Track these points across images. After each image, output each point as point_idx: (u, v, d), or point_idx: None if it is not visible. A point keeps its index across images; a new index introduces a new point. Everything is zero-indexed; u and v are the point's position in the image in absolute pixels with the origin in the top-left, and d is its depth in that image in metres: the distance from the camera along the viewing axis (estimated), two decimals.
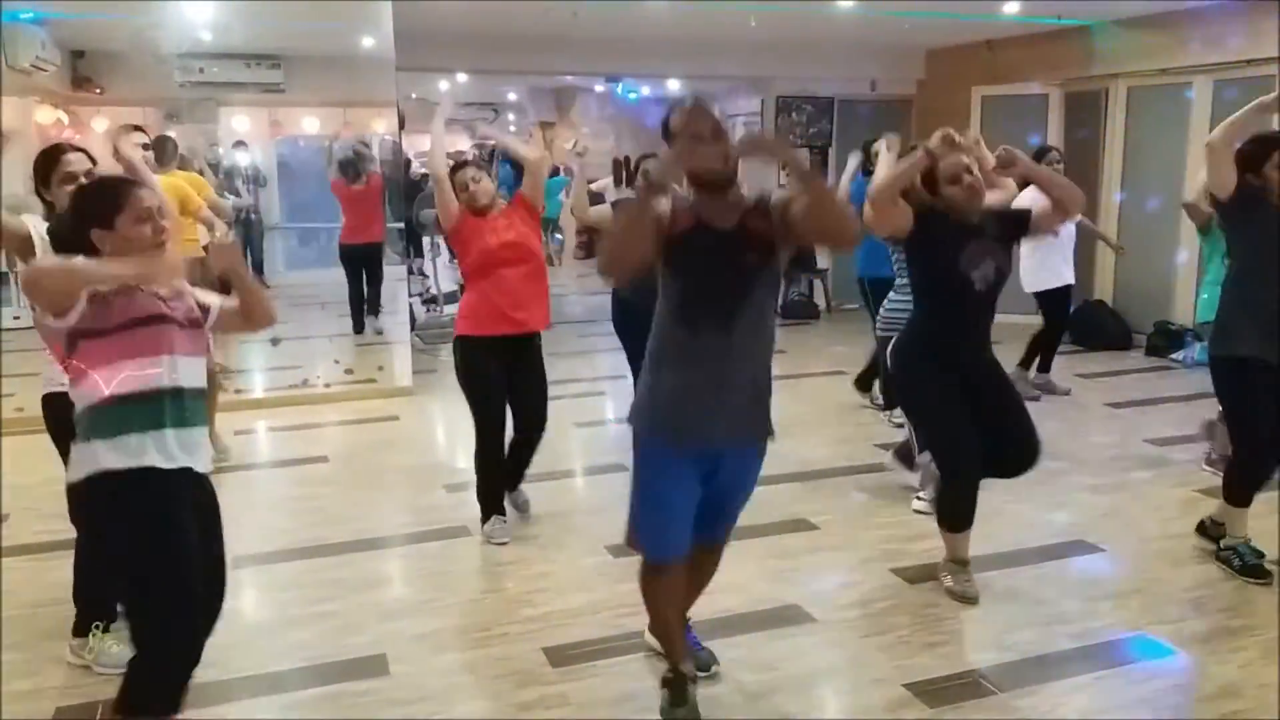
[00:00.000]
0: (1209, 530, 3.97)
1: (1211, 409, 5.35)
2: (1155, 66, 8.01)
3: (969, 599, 3.57)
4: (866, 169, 5.92)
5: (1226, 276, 3.77)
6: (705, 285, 2.61)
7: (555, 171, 14.86)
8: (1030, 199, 6.04)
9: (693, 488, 2.71)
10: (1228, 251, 3.83)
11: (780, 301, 9.99)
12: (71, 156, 3.07)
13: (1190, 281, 7.86)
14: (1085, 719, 2.92)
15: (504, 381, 4.14)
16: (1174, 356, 7.78)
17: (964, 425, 3.48)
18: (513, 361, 4.14)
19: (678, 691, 2.86)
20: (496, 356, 4.10)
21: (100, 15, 6.93)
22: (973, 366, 3.53)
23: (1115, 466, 5.19)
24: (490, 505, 4.24)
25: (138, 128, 4.46)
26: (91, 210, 2.37)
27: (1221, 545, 3.83)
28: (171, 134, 6.55)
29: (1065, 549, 4.08)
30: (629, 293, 4.99)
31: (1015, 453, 3.52)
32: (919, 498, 4.48)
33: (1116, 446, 5.54)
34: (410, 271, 10.22)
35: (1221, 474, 4.85)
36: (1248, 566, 3.72)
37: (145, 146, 4.43)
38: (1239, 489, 3.75)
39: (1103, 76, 8.48)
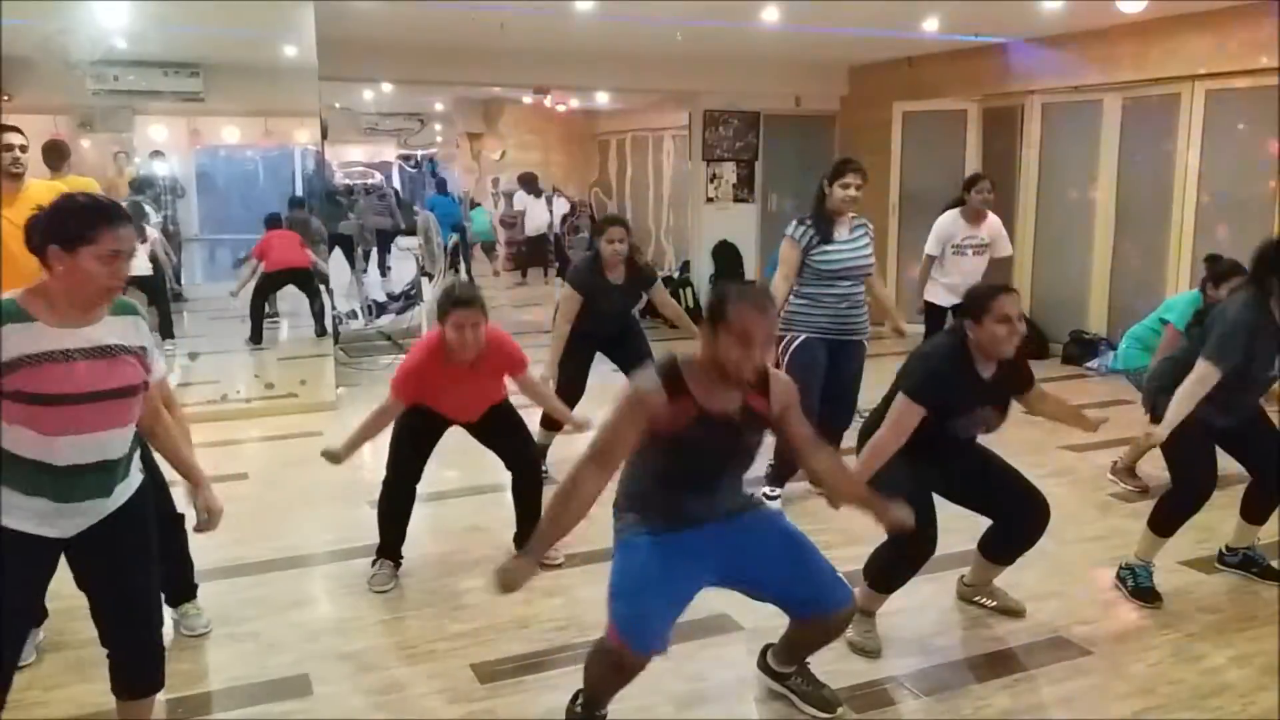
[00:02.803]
0: (1227, 559, 3.99)
1: (1125, 416, 5.52)
2: (1068, 84, 8.28)
3: (869, 653, 3.36)
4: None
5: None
6: (696, 463, 2.62)
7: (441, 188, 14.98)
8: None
9: (678, 562, 2.61)
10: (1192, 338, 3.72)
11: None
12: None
13: (1104, 292, 8.12)
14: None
15: (434, 429, 3.95)
16: (1089, 365, 8.02)
17: (926, 507, 3.20)
18: (477, 433, 4.02)
19: None
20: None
21: (10, 21, 6.70)
22: (953, 456, 3.32)
23: (1032, 473, 5.20)
24: (380, 545, 4.01)
25: (14, 128, 4.28)
26: (60, 228, 2.20)
27: (1123, 563, 3.86)
28: (61, 138, 6.35)
29: None
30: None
31: (1021, 519, 3.43)
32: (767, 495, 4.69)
33: (1034, 453, 5.66)
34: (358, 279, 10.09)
35: (1121, 482, 5.05)
36: (1139, 589, 3.76)
37: (23, 149, 4.24)
38: (1166, 523, 3.75)
39: (1019, 93, 8.73)
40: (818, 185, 4.71)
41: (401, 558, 4.01)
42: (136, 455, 2.44)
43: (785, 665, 3.03)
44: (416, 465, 3.98)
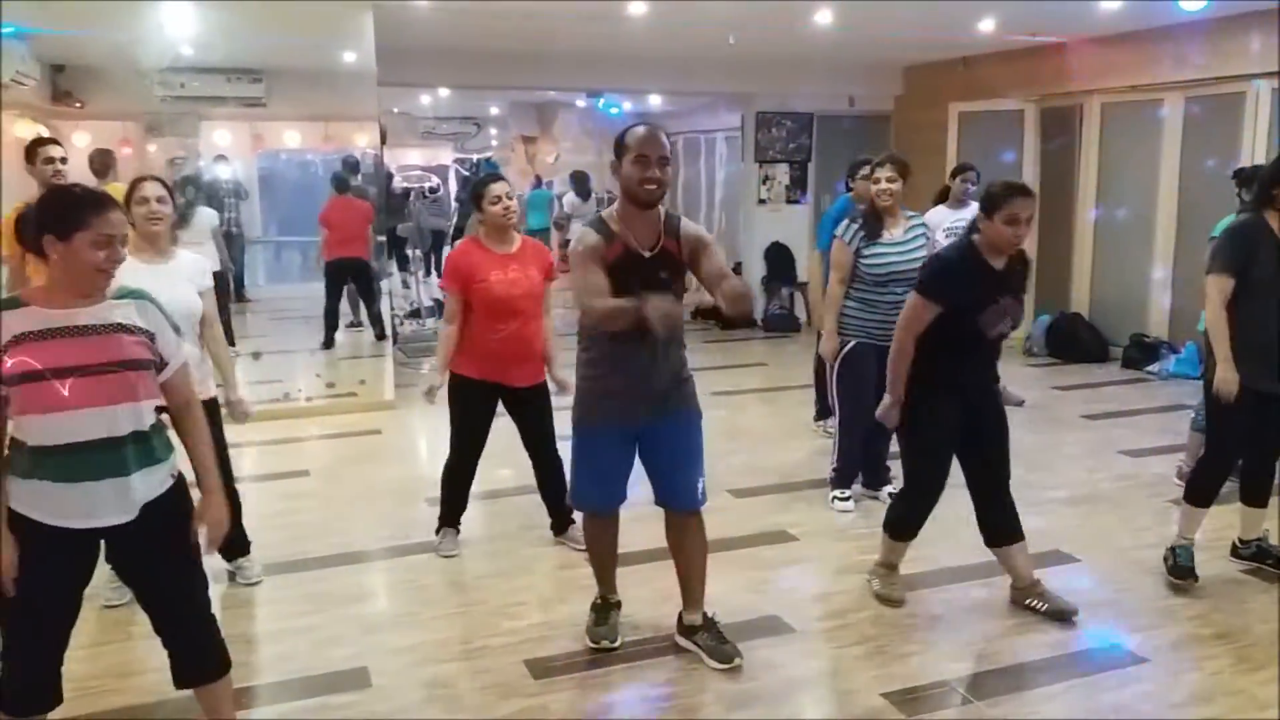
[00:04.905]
0: (1240, 551, 4.03)
1: (1184, 423, 5.43)
2: (1127, 83, 8.14)
3: (894, 601, 3.67)
4: (848, 185, 5.94)
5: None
6: (632, 294, 2.92)
7: (538, 183, 14.95)
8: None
9: (619, 455, 3.24)
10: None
11: (761, 314, 10.08)
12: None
13: (1165, 294, 7.97)
14: None
15: (490, 412, 4.21)
16: (1149, 369, 7.87)
17: (946, 455, 3.56)
18: (511, 407, 4.23)
19: (602, 615, 3.45)
20: (488, 398, 4.16)
21: (82, 31, 6.92)
22: (975, 391, 3.54)
23: (1090, 478, 5.25)
24: (444, 515, 4.32)
25: (53, 141, 4.40)
26: (54, 217, 2.28)
27: (1169, 545, 3.91)
28: (109, 148, 6.48)
29: (1040, 559, 4.11)
30: None
31: (986, 478, 3.59)
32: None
33: (1092, 458, 5.61)
34: (405, 286, 10.23)
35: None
36: (1177, 567, 3.82)
37: (63, 160, 4.35)
38: (1194, 489, 3.83)
39: (1077, 93, 8.60)
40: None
41: (460, 525, 4.32)
42: (171, 458, 2.46)
43: (691, 613, 3.36)
44: (477, 444, 4.22)
